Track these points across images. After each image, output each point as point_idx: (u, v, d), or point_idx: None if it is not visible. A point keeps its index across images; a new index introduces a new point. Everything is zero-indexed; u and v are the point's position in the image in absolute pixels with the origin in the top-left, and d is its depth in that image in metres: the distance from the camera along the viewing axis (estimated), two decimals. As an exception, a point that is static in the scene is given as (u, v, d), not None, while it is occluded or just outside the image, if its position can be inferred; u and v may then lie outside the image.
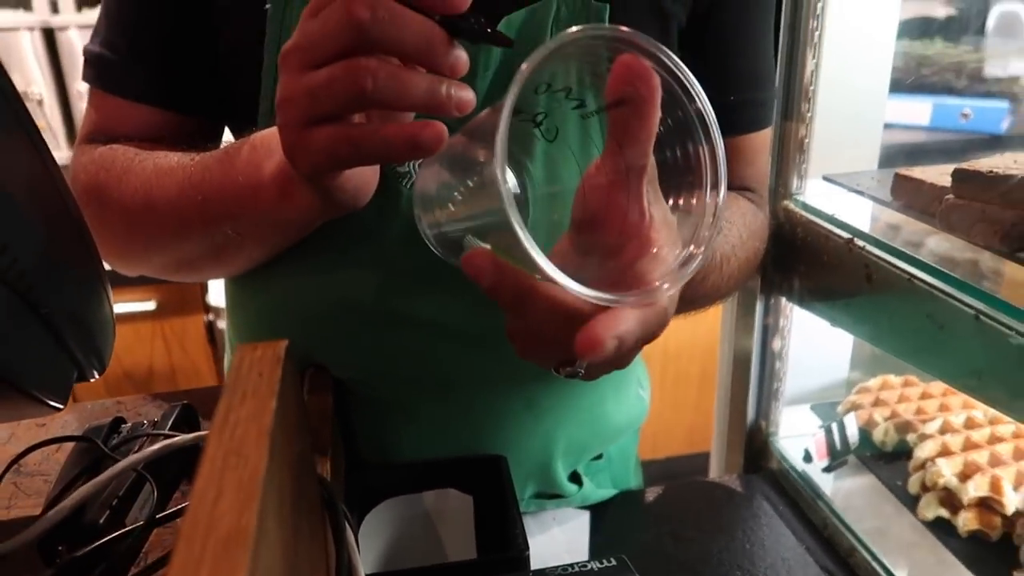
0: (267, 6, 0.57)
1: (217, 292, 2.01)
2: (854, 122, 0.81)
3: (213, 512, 0.26)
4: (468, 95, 0.39)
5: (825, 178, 0.80)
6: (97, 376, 0.49)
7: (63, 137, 2.01)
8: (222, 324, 2.04)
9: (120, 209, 0.61)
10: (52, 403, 0.43)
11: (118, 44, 0.64)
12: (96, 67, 0.65)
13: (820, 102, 0.77)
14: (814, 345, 0.90)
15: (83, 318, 0.46)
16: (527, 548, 0.55)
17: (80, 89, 2.01)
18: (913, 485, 0.77)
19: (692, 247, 0.36)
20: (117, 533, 0.43)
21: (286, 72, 0.41)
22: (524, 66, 0.33)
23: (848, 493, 0.80)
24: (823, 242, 0.73)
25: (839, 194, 0.77)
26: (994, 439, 0.79)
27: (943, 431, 0.80)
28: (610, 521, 0.76)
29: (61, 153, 1.95)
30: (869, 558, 0.70)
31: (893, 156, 0.89)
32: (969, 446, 0.77)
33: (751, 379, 0.90)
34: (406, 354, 0.66)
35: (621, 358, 0.42)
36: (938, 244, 0.65)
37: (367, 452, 0.69)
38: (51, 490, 0.49)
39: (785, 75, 0.77)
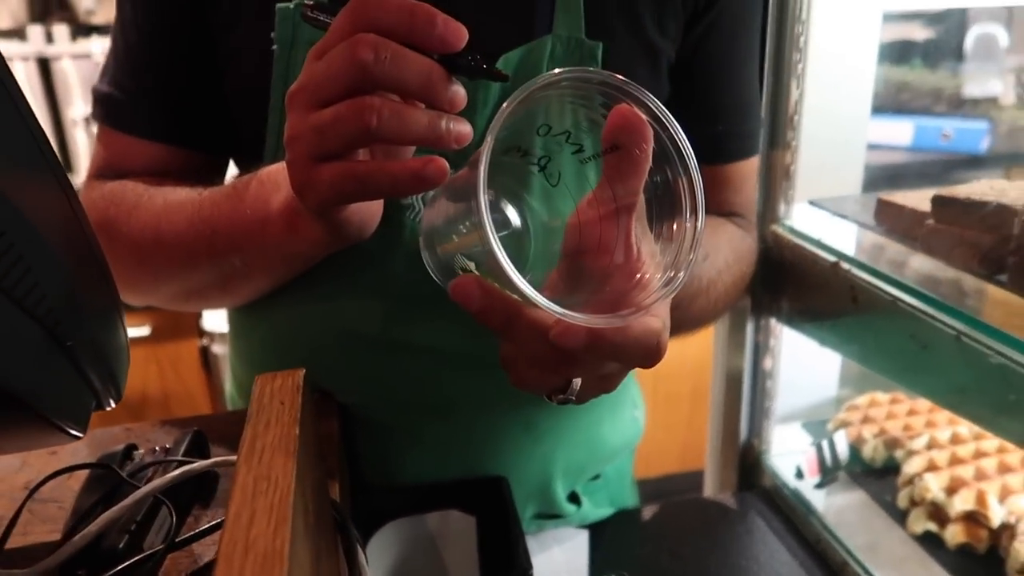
0: (273, 47, 0.59)
1: (212, 317, 2.02)
2: (838, 148, 0.84)
3: (248, 534, 0.28)
4: (466, 128, 0.41)
5: (811, 202, 0.82)
6: (114, 404, 0.50)
7: (57, 165, 2.02)
8: (217, 349, 2.05)
9: (130, 243, 0.63)
10: (73, 432, 0.44)
11: (126, 84, 0.66)
12: (105, 105, 0.67)
13: (804, 130, 0.80)
14: (803, 364, 0.93)
15: (102, 348, 0.48)
16: (530, 567, 0.57)
17: (74, 117, 2.03)
18: (902, 500, 0.79)
19: (672, 271, 0.38)
20: (137, 557, 0.44)
21: (293, 111, 0.43)
22: (505, 104, 0.35)
23: (839, 509, 0.82)
24: (810, 265, 0.75)
25: (824, 218, 0.80)
26: (979, 454, 0.81)
27: (930, 447, 0.82)
28: (609, 539, 0.78)
29: (56, 181, 1.96)
30: (861, 572, 0.72)
31: (876, 179, 0.92)
32: (955, 461, 0.80)
33: (743, 398, 0.93)
34: (408, 379, 0.67)
35: (608, 380, 0.44)
36: (921, 264, 0.67)
37: (371, 475, 0.71)
38: (68, 517, 0.51)
39: (770, 105, 0.81)
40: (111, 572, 0.44)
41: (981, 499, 0.73)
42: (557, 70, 0.36)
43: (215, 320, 2.00)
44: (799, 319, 0.80)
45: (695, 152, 0.39)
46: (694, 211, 0.39)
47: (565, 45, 0.59)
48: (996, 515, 0.72)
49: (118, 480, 0.51)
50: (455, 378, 0.67)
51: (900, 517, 0.79)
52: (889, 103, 1.33)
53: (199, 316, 2.04)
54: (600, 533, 0.78)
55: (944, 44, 1.45)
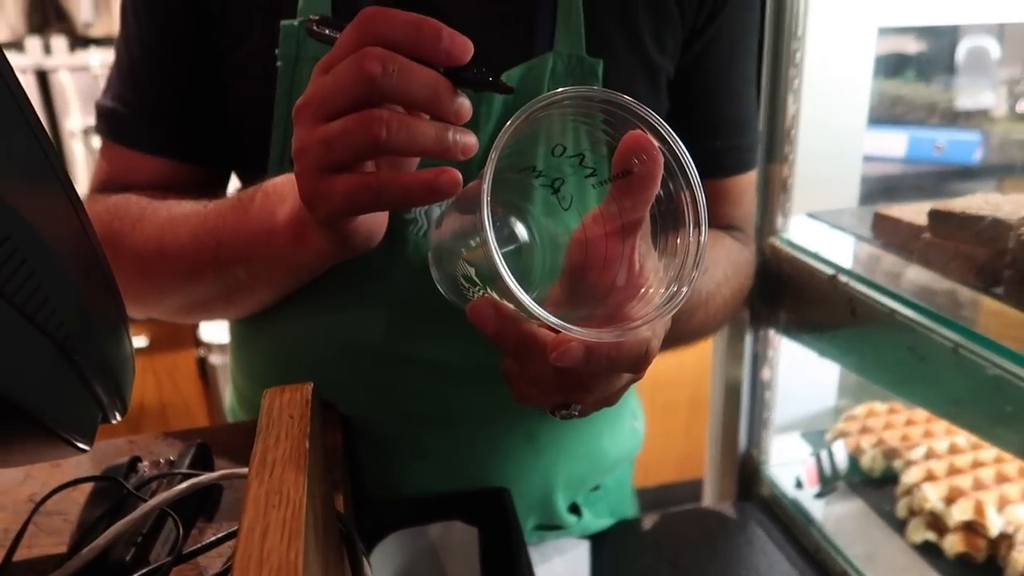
0: (278, 63, 0.60)
1: (209, 328, 2.02)
2: (834, 161, 0.85)
3: (262, 548, 0.28)
4: (472, 140, 0.42)
5: (808, 215, 0.83)
6: (120, 418, 0.50)
7: (55, 176, 2.02)
8: (214, 360, 2.04)
9: (134, 256, 0.63)
10: (80, 444, 0.45)
11: (130, 98, 0.67)
12: (108, 120, 0.68)
13: (801, 143, 0.81)
14: (802, 375, 0.93)
15: (108, 361, 0.48)
16: (533, 578, 0.57)
17: (72, 129, 2.03)
18: (901, 510, 0.80)
19: (676, 286, 0.39)
20: (144, 571, 0.45)
21: (301, 124, 0.43)
22: (509, 123, 0.36)
23: (839, 518, 0.82)
24: (808, 277, 0.76)
25: (822, 230, 0.81)
26: (977, 464, 0.81)
27: (928, 457, 0.83)
28: (609, 550, 0.78)
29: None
30: (860, 582, 0.72)
31: (872, 191, 0.93)
32: (953, 471, 0.80)
33: (742, 408, 0.93)
34: (411, 392, 0.68)
35: (609, 395, 0.44)
36: (917, 276, 0.68)
37: (374, 486, 0.71)
38: (74, 530, 0.51)
39: (768, 119, 0.81)
40: (118, 585, 0.44)
41: (979, 509, 0.74)
42: (560, 89, 0.37)
43: (213, 331, 2.00)
44: (797, 330, 0.81)
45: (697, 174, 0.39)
46: (697, 225, 0.39)
47: (566, 62, 0.60)
48: (994, 525, 0.73)
49: (123, 493, 0.52)
50: (458, 391, 0.68)
51: (899, 527, 0.79)
52: (883, 116, 1.34)
53: (196, 327, 2.04)
54: (601, 543, 0.78)
55: (937, 57, 1.47)
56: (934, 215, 0.64)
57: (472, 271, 0.41)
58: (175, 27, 0.63)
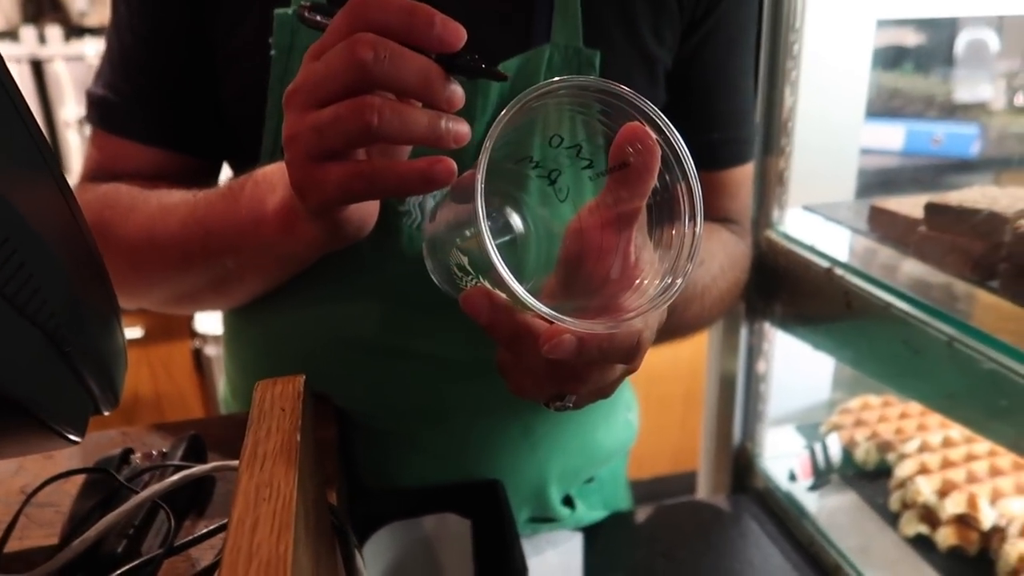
0: (272, 52, 0.60)
1: (204, 319, 2.01)
2: (831, 154, 0.85)
3: (252, 541, 0.28)
4: (464, 128, 0.42)
5: (805, 208, 0.83)
6: (112, 410, 0.50)
7: (50, 166, 2.02)
8: (210, 351, 2.04)
9: (124, 245, 0.63)
10: (71, 437, 0.45)
11: (120, 86, 0.66)
12: (99, 108, 0.67)
13: (798, 136, 0.81)
14: (797, 368, 0.93)
15: (100, 353, 0.48)
16: (526, 569, 0.57)
17: (66, 119, 2.03)
18: (894, 503, 0.80)
19: (670, 278, 0.39)
20: (137, 562, 0.45)
21: (291, 111, 0.43)
22: (504, 112, 0.35)
23: (832, 511, 0.82)
24: (803, 270, 0.76)
25: (818, 223, 0.81)
26: (970, 457, 0.82)
27: (921, 450, 0.83)
28: (603, 542, 0.78)
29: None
30: (853, 574, 0.72)
31: (869, 184, 0.93)
32: (946, 464, 0.80)
33: (736, 401, 0.93)
34: (405, 385, 0.68)
35: (603, 386, 0.44)
36: (912, 270, 0.68)
37: (368, 478, 0.71)
38: (66, 521, 0.51)
39: (765, 112, 0.81)
40: (110, 576, 0.44)
41: (972, 502, 0.74)
42: (556, 79, 0.37)
43: (208, 322, 2.00)
44: (793, 323, 0.81)
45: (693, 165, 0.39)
46: (692, 217, 0.39)
47: (563, 53, 0.60)
48: (987, 518, 0.73)
49: (115, 485, 0.51)
50: (452, 384, 0.67)
51: (892, 520, 0.79)
52: (881, 108, 1.34)
53: (192, 318, 2.03)
54: (594, 536, 0.78)
55: (935, 50, 1.46)
56: (930, 208, 0.64)
57: (466, 260, 0.40)
58: (167, 15, 0.63)
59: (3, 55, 0.37)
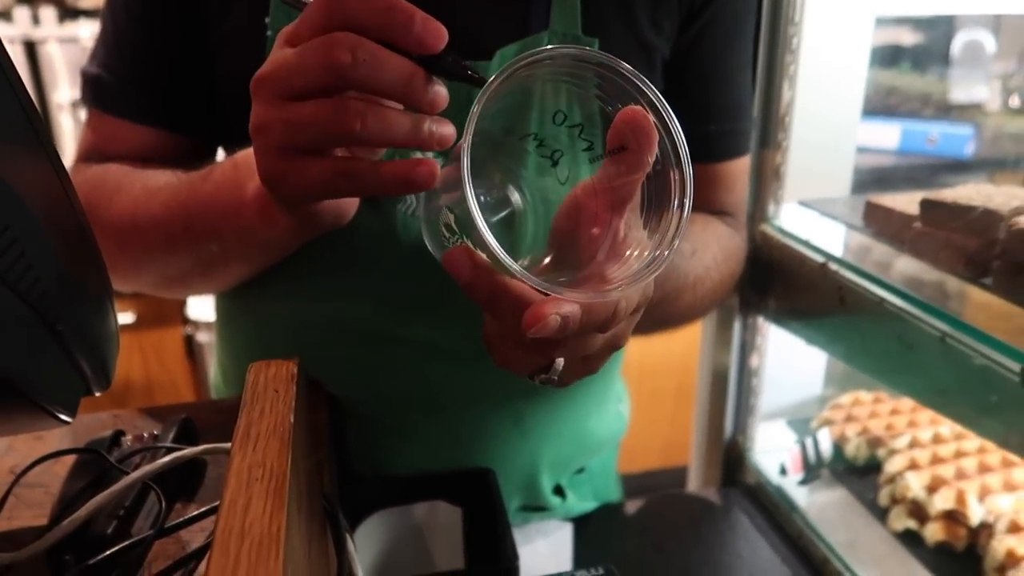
0: (268, 33, 0.59)
1: (196, 305, 2.01)
2: (828, 150, 0.85)
3: (244, 520, 0.28)
4: (448, 130, 0.41)
5: (800, 203, 0.83)
6: (103, 390, 0.50)
7: (42, 149, 2.00)
8: (201, 337, 2.04)
9: (111, 228, 0.62)
10: (63, 417, 0.44)
11: (115, 66, 0.66)
12: (93, 88, 0.67)
13: (795, 131, 0.81)
14: (789, 362, 0.93)
15: (92, 333, 0.47)
16: (517, 558, 0.57)
17: (60, 101, 2.01)
18: (883, 498, 0.81)
19: (658, 251, 0.39)
20: (126, 543, 0.44)
21: (260, 99, 0.42)
22: (492, 78, 0.35)
23: (822, 506, 0.83)
24: (798, 265, 0.76)
25: (813, 218, 0.81)
26: (959, 454, 0.82)
27: (911, 446, 0.84)
28: (593, 533, 0.78)
29: (40, 165, 1.95)
30: (842, 568, 0.73)
31: (864, 181, 0.93)
32: (936, 460, 0.81)
33: (729, 395, 0.93)
34: (398, 373, 0.67)
35: (590, 361, 0.44)
36: (906, 266, 0.68)
37: (359, 465, 0.71)
38: (55, 502, 0.51)
39: (762, 105, 0.81)
40: (98, 558, 0.44)
41: (961, 498, 0.74)
42: (546, 47, 0.36)
43: (200, 308, 1.99)
44: (786, 318, 0.81)
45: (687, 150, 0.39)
46: (682, 204, 0.39)
47: (560, 41, 0.59)
48: (975, 514, 0.73)
49: (106, 466, 0.51)
50: (444, 371, 0.67)
51: (881, 515, 0.80)
52: (877, 106, 1.34)
53: (183, 304, 2.03)
54: (584, 526, 0.79)
55: (932, 49, 1.47)
56: (926, 204, 0.64)
57: (452, 219, 0.40)
58: None
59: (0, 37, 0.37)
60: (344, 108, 0.38)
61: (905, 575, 0.73)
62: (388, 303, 0.65)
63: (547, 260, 0.42)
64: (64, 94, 2.00)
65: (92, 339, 0.47)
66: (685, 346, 1.86)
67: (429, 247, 0.45)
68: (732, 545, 0.77)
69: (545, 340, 0.39)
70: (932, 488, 0.76)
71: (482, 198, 0.43)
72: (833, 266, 0.71)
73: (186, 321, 2.06)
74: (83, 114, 0.69)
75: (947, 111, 1.47)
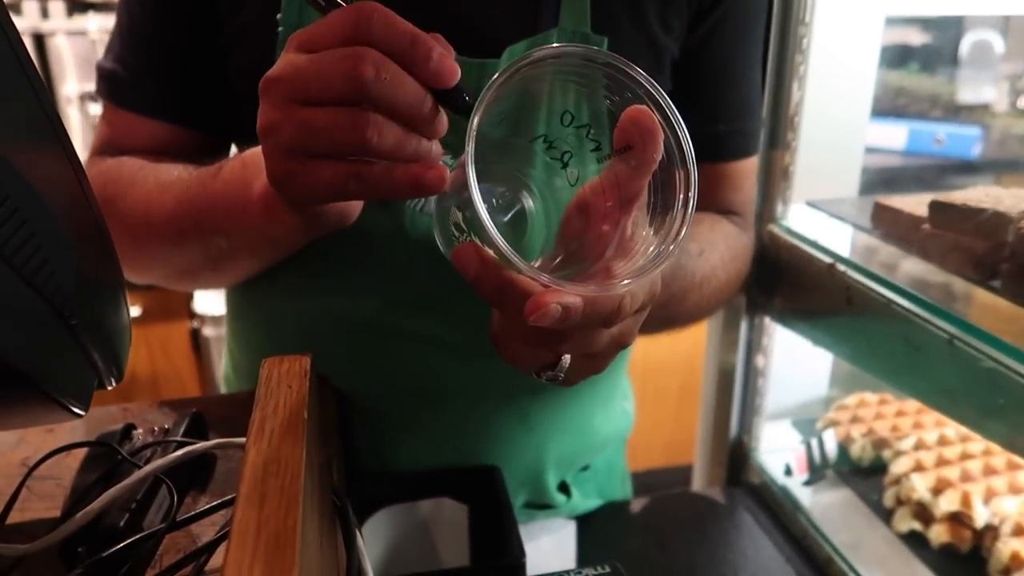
0: (279, 29, 0.59)
1: (203, 299, 2.01)
2: (836, 150, 0.85)
3: (260, 514, 0.28)
4: (443, 171, 0.42)
5: (808, 203, 0.83)
6: (115, 384, 0.50)
7: (50, 142, 2.01)
8: (208, 331, 2.04)
9: (124, 221, 0.63)
10: (75, 409, 0.45)
11: (129, 60, 0.66)
12: (108, 82, 0.67)
13: (804, 131, 0.81)
14: (795, 363, 0.94)
15: (105, 326, 0.48)
16: (523, 554, 0.58)
17: (68, 94, 2.01)
18: (888, 499, 0.81)
19: (661, 247, 0.39)
20: (138, 536, 0.45)
21: (271, 101, 0.42)
22: (496, 76, 0.36)
23: (826, 506, 0.83)
24: (805, 265, 0.76)
25: (821, 219, 0.81)
26: (965, 456, 0.82)
27: (917, 448, 0.84)
28: (598, 531, 0.79)
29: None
30: (846, 568, 0.73)
31: (872, 182, 0.93)
32: (941, 462, 0.81)
33: (734, 395, 0.94)
34: (405, 368, 0.68)
35: (596, 359, 0.44)
36: (913, 267, 0.68)
37: (366, 461, 0.71)
38: (67, 495, 0.51)
39: (771, 106, 0.81)
40: (110, 550, 0.44)
41: (966, 500, 0.74)
42: (556, 44, 0.37)
43: (207, 303, 2.00)
44: (793, 318, 0.81)
45: (695, 149, 0.39)
46: (686, 203, 0.40)
47: (569, 38, 0.59)
48: (980, 516, 0.73)
49: (117, 459, 0.52)
50: (451, 367, 0.68)
51: (885, 516, 0.80)
52: (885, 107, 1.34)
53: (190, 298, 2.03)
54: (589, 524, 0.79)
55: (941, 50, 1.46)
56: (935, 206, 0.64)
57: (461, 217, 0.41)
58: None
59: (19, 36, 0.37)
60: (364, 119, 0.39)
61: (909, 576, 0.74)
62: (396, 299, 0.65)
63: (557, 260, 0.43)
64: (72, 87, 2.00)
65: (105, 332, 0.48)
66: (689, 345, 1.86)
67: (439, 244, 0.46)
68: (736, 544, 0.78)
69: (549, 333, 0.40)
70: (937, 490, 0.76)
71: (492, 200, 0.43)
72: (841, 267, 0.71)
73: (192, 315, 2.06)
74: (91, 107, 0.70)
75: (955, 112, 1.47)
